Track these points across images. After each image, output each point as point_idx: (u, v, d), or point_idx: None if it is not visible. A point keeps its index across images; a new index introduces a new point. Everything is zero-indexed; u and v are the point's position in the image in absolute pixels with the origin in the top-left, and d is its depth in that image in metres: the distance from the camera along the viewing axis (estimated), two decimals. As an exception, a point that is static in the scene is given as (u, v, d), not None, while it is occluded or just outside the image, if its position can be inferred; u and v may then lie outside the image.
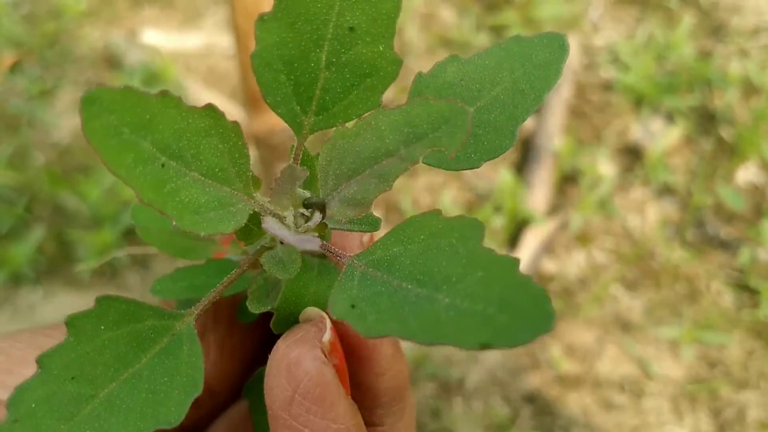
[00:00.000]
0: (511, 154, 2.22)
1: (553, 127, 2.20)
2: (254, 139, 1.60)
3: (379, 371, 0.41)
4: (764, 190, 2.16)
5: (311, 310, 0.40)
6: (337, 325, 0.40)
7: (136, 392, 0.39)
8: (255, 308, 0.45)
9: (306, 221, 0.44)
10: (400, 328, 0.34)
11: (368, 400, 0.42)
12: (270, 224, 0.41)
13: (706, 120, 2.32)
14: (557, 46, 0.46)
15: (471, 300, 0.34)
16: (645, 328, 1.88)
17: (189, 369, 0.40)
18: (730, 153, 2.22)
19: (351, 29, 0.44)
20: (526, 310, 0.32)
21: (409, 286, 0.37)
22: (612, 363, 1.83)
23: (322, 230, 0.45)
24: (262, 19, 0.43)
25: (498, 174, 2.15)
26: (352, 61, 0.45)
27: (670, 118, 2.31)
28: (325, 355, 0.37)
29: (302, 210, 0.44)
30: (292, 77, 0.45)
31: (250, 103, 1.53)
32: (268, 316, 0.45)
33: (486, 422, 1.74)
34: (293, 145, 0.47)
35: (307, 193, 0.44)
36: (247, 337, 0.44)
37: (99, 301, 0.42)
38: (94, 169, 2.10)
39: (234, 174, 0.41)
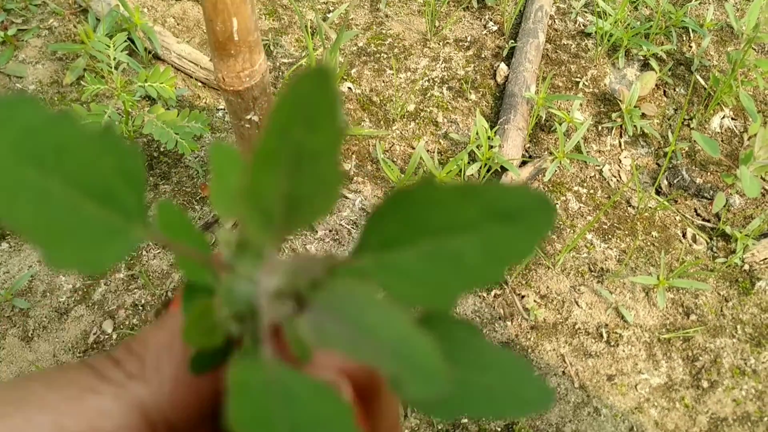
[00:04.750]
0: (486, 102, 2.08)
1: (527, 74, 2.05)
2: (221, 87, 1.45)
3: (383, 413, 0.38)
4: (741, 137, 2.04)
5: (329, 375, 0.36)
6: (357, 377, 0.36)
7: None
8: (191, 339, 0.34)
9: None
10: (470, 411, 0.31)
11: None
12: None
13: (682, 66, 2.18)
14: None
15: None
16: (620, 276, 1.77)
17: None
18: (707, 99, 2.09)
19: None
20: None
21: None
22: (588, 311, 1.73)
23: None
24: None
25: (472, 121, 2.01)
26: None
27: (646, 64, 2.18)
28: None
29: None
30: None
31: (215, 49, 1.38)
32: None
33: (461, 372, 1.63)
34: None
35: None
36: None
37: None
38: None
39: (129, 200, 0.31)
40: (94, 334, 1.64)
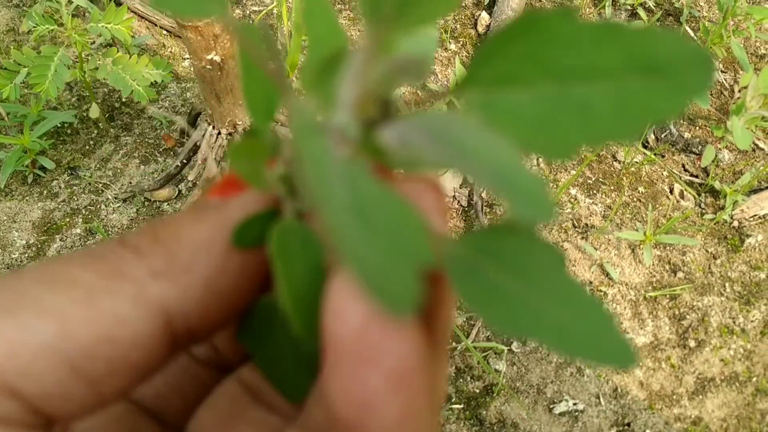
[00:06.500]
0: (466, 52, 1.97)
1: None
2: (178, 24, 1.33)
3: (444, 299, 0.31)
4: (731, 90, 1.94)
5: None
6: None
7: None
8: (237, 159, 0.30)
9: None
10: (538, 335, 0.26)
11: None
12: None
13: (671, 17, 2.08)
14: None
15: None
16: (605, 232, 1.68)
17: None
18: (695, 51, 1.98)
19: None
20: None
21: (522, 290, 0.27)
22: (571, 268, 1.63)
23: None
24: None
25: (452, 72, 1.90)
26: None
27: (633, 14, 2.07)
28: None
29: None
30: None
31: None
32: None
33: (438, 332, 1.53)
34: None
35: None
36: (242, 279, 0.33)
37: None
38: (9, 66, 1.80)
39: None
40: (48, 292, 1.52)
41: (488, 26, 1.98)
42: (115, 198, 1.64)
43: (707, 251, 1.69)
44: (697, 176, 1.80)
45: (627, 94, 0.26)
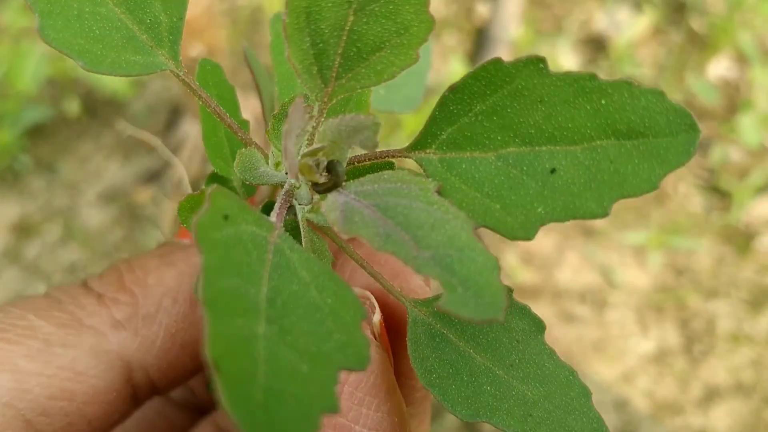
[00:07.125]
0: (464, 47, 1.90)
1: (509, 16, 1.88)
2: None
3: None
4: (737, 85, 1.88)
5: (356, 290, 0.29)
6: (383, 308, 0.30)
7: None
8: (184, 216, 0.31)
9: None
10: (497, 419, 0.26)
11: (403, 395, 0.31)
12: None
13: (676, 9, 2.01)
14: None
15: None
16: (608, 234, 1.61)
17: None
18: (702, 45, 1.92)
19: None
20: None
21: (487, 364, 0.27)
22: (573, 272, 1.57)
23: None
24: None
25: (448, 66, 1.84)
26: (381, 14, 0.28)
27: (637, 6, 2.00)
28: (375, 338, 0.28)
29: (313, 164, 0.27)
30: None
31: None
32: None
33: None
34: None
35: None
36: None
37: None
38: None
39: (165, 31, 0.29)
40: (26, 297, 1.47)
41: (486, 20, 1.92)
42: (97, 198, 1.58)
43: (713, 254, 1.63)
44: (703, 176, 1.74)
45: (599, 163, 0.23)
